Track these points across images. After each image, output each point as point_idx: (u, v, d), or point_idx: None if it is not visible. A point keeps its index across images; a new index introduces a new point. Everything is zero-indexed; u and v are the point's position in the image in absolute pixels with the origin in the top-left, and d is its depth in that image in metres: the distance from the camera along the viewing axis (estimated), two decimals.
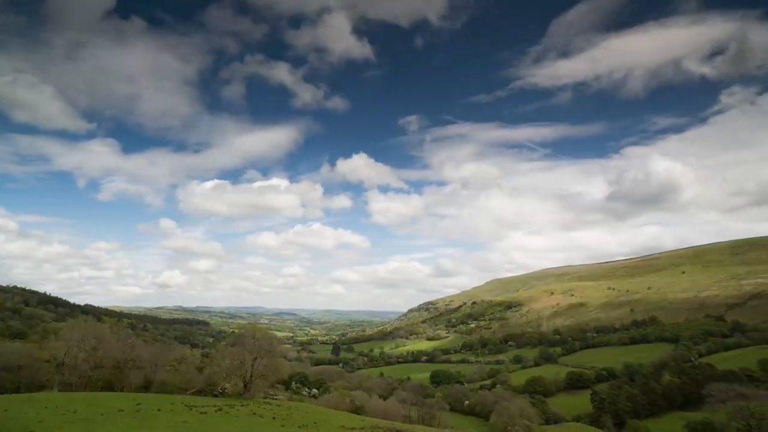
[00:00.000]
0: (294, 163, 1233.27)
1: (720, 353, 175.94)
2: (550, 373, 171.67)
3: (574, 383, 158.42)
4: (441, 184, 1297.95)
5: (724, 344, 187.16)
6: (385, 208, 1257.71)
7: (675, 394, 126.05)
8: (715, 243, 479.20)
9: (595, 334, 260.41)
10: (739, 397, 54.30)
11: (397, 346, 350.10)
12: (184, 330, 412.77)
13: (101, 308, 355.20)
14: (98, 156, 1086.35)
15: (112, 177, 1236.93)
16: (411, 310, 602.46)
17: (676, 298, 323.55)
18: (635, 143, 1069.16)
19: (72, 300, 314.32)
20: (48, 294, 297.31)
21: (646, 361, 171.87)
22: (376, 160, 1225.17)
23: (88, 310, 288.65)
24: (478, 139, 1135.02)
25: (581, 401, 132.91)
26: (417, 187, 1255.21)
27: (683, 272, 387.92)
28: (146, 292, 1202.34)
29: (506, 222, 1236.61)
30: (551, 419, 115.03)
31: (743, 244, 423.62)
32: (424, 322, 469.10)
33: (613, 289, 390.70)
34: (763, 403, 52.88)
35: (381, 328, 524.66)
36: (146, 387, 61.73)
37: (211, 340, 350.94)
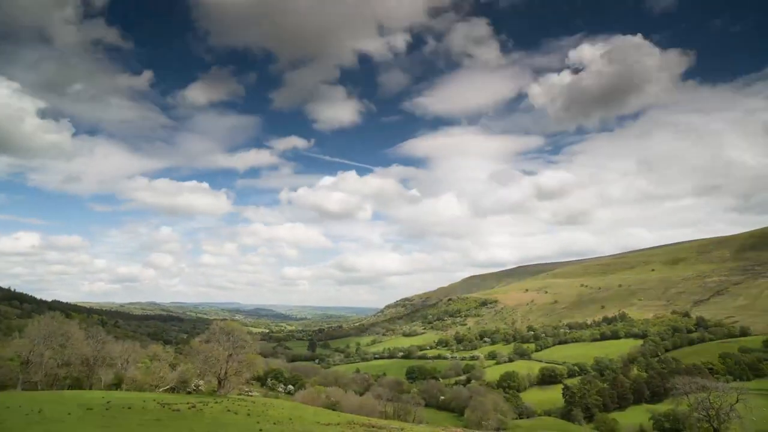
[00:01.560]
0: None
1: (684, 348, 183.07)
2: (523, 368, 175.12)
3: (547, 378, 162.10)
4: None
5: (688, 339, 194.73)
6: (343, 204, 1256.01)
7: (642, 387, 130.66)
8: (684, 242, 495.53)
9: (567, 330, 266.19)
10: (701, 389, 56.48)
11: (373, 343, 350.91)
12: (157, 326, 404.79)
13: (70, 304, 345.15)
14: (61, 152, 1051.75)
15: (74, 172, 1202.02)
16: (388, 306, 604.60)
17: (646, 295, 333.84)
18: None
19: (38, 296, 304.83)
20: (12, 290, 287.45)
21: (616, 356, 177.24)
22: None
23: (56, 306, 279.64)
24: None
25: (553, 395, 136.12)
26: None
27: (653, 270, 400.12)
28: (118, 288, 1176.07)
29: (462, 221, 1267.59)
30: (524, 413, 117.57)
31: (709, 243, 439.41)
32: (400, 318, 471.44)
33: (586, 286, 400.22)
34: (721, 394, 55.33)
35: (357, 324, 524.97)
36: (117, 385, 60.43)
37: (185, 336, 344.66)
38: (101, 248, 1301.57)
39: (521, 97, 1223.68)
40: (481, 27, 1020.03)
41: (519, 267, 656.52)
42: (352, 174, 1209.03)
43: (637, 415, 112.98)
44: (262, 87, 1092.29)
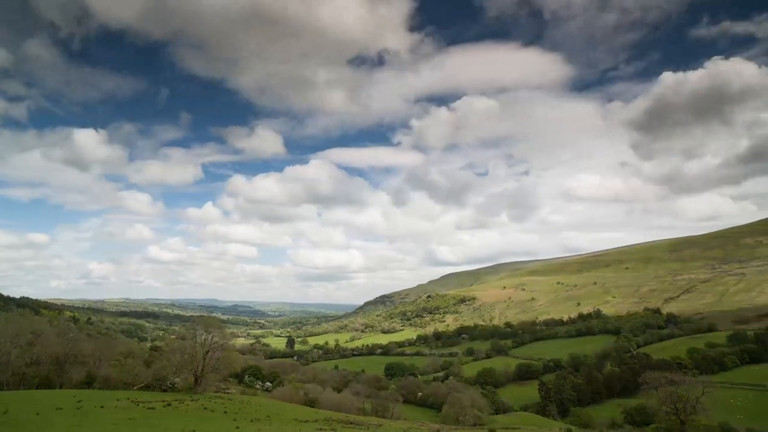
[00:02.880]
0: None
1: (655, 344, 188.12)
2: (500, 364, 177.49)
3: (524, 374, 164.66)
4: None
5: (659, 335, 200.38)
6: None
7: (615, 382, 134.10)
8: (657, 241, 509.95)
9: (544, 327, 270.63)
10: (670, 383, 58.54)
11: (352, 339, 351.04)
12: (132, 323, 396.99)
13: (40, 301, 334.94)
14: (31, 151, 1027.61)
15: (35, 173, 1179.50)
16: (367, 303, 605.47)
17: (620, 292, 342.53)
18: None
19: (5, 293, 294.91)
20: None
21: (591, 352, 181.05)
22: None
23: (25, 303, 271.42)
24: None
25: (530, 391, 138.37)
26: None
27: (627, 268, 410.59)
28: (92, 285, 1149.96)
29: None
30: (501, 409, 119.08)
31: (680, 242, 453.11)
32: (379, 315, 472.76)
33: (562, 283, 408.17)
34: (688, 388, 57.43)
35: (336, 320, 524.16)
36: (89, 383, 58.87)
37: (160, 333, 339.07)
38: (69, 247, 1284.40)
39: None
40: None
41: (497, 264, 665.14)
42: (294, 175, 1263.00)
43: (609, 409, 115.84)
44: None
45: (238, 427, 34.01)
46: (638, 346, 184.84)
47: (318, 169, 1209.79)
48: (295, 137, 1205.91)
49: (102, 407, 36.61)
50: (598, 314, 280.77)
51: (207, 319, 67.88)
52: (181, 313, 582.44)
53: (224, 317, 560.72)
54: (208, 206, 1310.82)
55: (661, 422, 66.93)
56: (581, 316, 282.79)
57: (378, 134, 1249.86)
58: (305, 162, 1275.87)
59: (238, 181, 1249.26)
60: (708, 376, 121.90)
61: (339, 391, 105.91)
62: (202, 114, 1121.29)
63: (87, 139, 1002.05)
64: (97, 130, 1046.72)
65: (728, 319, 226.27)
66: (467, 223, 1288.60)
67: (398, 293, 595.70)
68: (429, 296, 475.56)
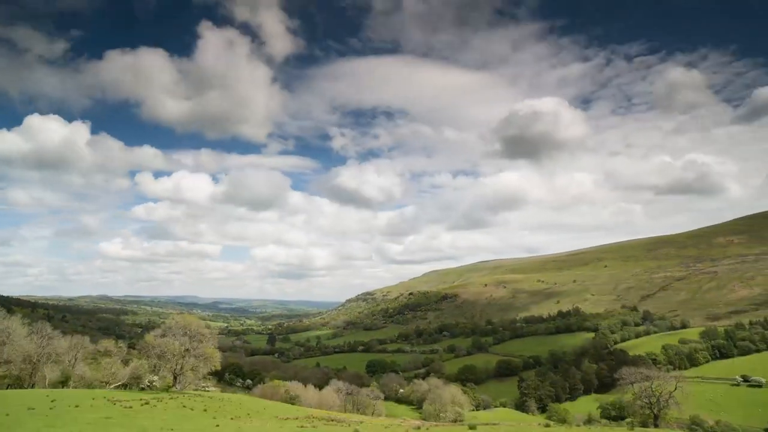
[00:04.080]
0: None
1: (632, 340, 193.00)
2: (481, 361, 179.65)
3: (504, 371, 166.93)
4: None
5: (635, 332, 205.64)
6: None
7: (592, 378, 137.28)
8: (635, 239, 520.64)
9: (524, 324, 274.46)
10: (644, 378, 60.17)
11: (334, 336, 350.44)
12: (109, 320, 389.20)
13: (11, 298, 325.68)
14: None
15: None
16: (349, 301, 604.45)
17: (598, 290, 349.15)
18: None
19: None
20: None
21: (569, 349, 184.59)
22: None
23: None
24: None
25: (509, 387, 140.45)
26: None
27: (605, 266, 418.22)
28: (67, 281, 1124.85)
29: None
30: (481, 405, 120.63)
31: (657, 241, 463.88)
32: (361, 312, 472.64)
33: (542, 281, 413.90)
34: (662, 383, 59.13)
35: (318, 318, 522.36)
36: (63, 382, 57.59)
37: (139, 331, 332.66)
38: (35, 245, 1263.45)
39: None
40: None
41: (479, 263, 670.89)
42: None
43: (586, 404, 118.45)
44: None
45: (218, 425, 33.66)
46: (615, 343, 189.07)
47: (260, 175, 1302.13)
48: (232, 150, 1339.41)
49: (77, 406, 35.81)
50: (577, 312, 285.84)
51: (186, 317, 66.83)
52: (161, 310, 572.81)
53: (204, 314, 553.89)
54: (171, 206, 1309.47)
55: (635, 416, 68.65)
56: (561, 314, 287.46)
57: (309, 148, 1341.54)
58: (250, 167, 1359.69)
59: (192, 184, 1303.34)
60: (681, 372, 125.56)
61: (320, 388, 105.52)
62: (146, 126, 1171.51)
63: (45, 140, 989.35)
64: (67, 121, 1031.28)
65: (701, 315, 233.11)
66: (410, 226, 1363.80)
67: (381, 290, 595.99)
68: (411, 294, 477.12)
